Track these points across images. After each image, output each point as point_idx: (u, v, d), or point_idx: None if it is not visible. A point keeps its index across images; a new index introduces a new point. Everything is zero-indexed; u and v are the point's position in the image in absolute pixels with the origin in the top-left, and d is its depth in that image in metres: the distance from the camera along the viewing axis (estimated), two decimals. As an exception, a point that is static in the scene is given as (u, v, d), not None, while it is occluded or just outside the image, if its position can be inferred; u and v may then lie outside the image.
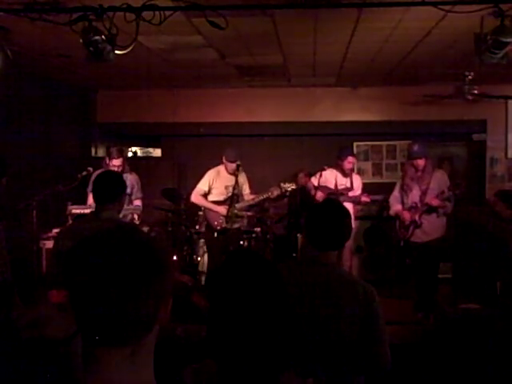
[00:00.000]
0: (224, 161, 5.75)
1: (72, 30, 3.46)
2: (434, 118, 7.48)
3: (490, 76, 6.14)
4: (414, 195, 5.26)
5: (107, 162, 5.25)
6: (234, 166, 5.64)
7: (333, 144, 6.94)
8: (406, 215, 5.26)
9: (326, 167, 5.92)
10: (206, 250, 6.41)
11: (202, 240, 6.50)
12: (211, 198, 5.84)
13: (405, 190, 5.35)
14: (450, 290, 6.12)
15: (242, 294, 1.36)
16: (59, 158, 6.78)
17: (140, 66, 5.94)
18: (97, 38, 3.47)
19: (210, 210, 5.78)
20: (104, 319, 0.95)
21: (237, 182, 5.64)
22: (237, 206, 5.70)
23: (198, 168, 6.28)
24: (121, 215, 3.58)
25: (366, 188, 6.25)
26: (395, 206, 5.43)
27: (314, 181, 5.92)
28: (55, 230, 5.04)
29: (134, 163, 6.14)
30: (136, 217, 5.22)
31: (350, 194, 5.98)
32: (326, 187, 5.93)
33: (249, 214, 6.06)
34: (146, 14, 3.41)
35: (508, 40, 3.41)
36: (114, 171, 4.74)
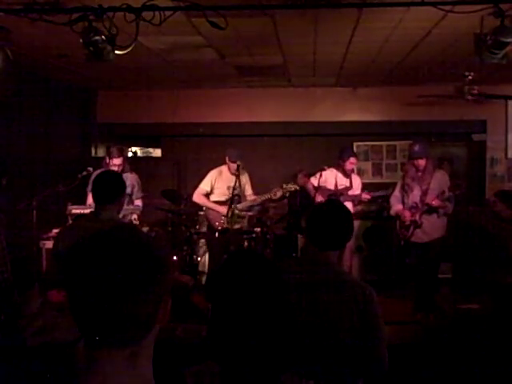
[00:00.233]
0: (227, 161, 5.75)
1: (72, 30, 3.46)
2: (434, 118, 7.49)
3: (490, 76, 6.14)
4: (415, 195, 5.26)
5: (107, 161, 5.24)
6: (235, 166, 5.64)
7: (333, 144, 6.94)
8: (406, 214, 5.26)
9: (325, 167, 5.92)
10: (206, 249, 6.42)
11: (202, 240, 6.50)
12: (213, 198, 5.84)
13: (405, 190, 5.35)
14: (450, 290, 6.12)
15: (243, 294, 1.36)
16: (59, 158, 6.78)
17: (140, 66, 5.95)
18: (97, 38, 3.48)
19: (212, 209, 5.78)
20: (103, 320, 0.95)
21: (239, 182, 5.65)
22: (238, 206, 5.70)
23: (198, 168, 6.29)
24: (120, 215, 3.57)
25: (366, 188, 6.25)
26: (396, 206, 5.43)
27: (314, 181, 5.91)
28: (55, 230, 5.04)
29: (134, 163, 6.14)
30: (135, 216, 5.22)
31: (350, 192, 5.98)
32: (325, 189, 5.91)
33: (249, 214, 6.06)
34: (146, 14, 3.41)
35: (508, 40, 3.41)
36: (113, 171, 4.73)
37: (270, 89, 7.64)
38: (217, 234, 5.68)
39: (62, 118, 7.05)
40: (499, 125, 7.57)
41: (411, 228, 5.25)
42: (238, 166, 5.61)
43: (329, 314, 2.18)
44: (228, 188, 5.69)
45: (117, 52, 3.65)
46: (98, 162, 5.80)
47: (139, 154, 9.48)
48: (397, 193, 5.48)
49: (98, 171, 4.55)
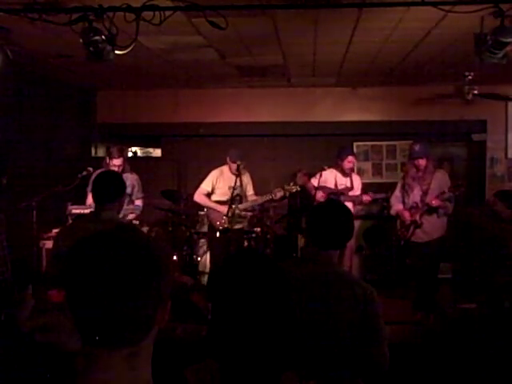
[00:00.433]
0: (228, 161, 5.76)
1: (72, 30, 3.46)
2: (434, 118, 7.49)
3: (490, 76, 6.13)
4: (415, 195, 5.26)
5: (107, 161, 5.24)
6: (235, 166, 5.65)
7: (333, 144, 6.94)
8: (406, 214, 5.27)
9: (325, 167, 5.92)
10: (206, 249, 6.42)
11: (202, 240, 6.51)
12: (214, 197, 5.84)
13: (406, 190, 5.35)
14: (450, 289, 6.12)
15: (244, 294, 1.36)
16: (59, 157, 6.78)
17: (140, 65, 5.94)
18: (97, 37, 3.47)
19: (213, 209, 5.79)
20: (102, 320, 0.95)
21: (241, 182, 5.65)
22: (240, 206, 5.71)
23: (198, 168, 6.28)
24: (120, 215, 3.57)
25: (366, 188, 6.25)
26: (396, 206, 5.43)
27: (314, 181, 5.92)
28: (55, 230, 5.04)
29: (134, 163, 6.14)
30: (133, 216, 5.22)
31: (350, 193, 5.98)
32: (326, 187, 5.93)
33: (249, 213, 6.06)
34: (146, 14, 3.41)
35: (508, 40, 3.41)
36: (113, 171, 4.73)
37: (269, 89, 7.64)
38: (218, 234, 5.68)
39: (61, 117, 7.05)
40: (499, 125, 7.57)
41: (411, 228, 5.26)
42: (238, 165, 5.61)
43: (329, 313, 2.18)
44: (229, 188, 5.69)
45: (117, 52, 3.65)
46: (98, 162, 5.80)
47: (139, 154, 9.48)
48: (397, 193, 5.48)
49: (98, 171, 4.55)
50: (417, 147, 5.25)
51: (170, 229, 6.58)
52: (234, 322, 1.34)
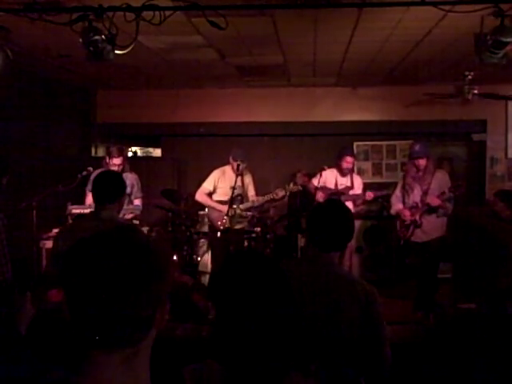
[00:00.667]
0: (230, 160, 5.76)
1: (72, 29, 3.46)
2: (434, 118, 7.48)
3: (490, 76, 6.13)
4: (416, 195, 5.26)
5: (107, 161, 5.23)
6: (235, 165, 5.65)
7: (333, 144, 6.94)
8: (406, 213, 5.27)
9: (326, 167, 5.92)
10: (206, 249, 6.42)
11: (203, 240, 6.50)
12: (216, 197, 5.84)
13: (406, 190, 5.36)
14: (450, 289, 6.11)
15: (246, 294, 1.35)
16: (59, 157, 6.78)
17: (140, 65, 5.94)
18: (97, 37, 3.47)
19: (214, 209, 5.78)
20: (101, 321, 0.94)
21: (242, 182, 5.65)
22: (241, 206, 5.71)
23: (198, 168, 6.28)
24: (120, 215, 3.57)
25: (366, 188, 6.24)
26: (396, 205, 5.44)
27: (315, 181, 5.92)
28: (55, 230, 5.04)
29: (134, 163, 6.14)
30: (131, 216, 5.22)
31: (351, 192, 5.98)
32: (326, 187, 5.93)
33: (249, 213, 6.06)
34: (146, 14, 3.41)
35: (508, 40, 3.41)
36: (113, 171, 4.72)
37: (269, 89, 7.64)
38: (219, 234, 5.68)
39: (61, 117, 7.05)
40: (499, 125, 7.56)
41: (411, 228, 5.26)
42: (238, 165, 5.61)
43: (331, 313, 2.18)
44: (231, 188, 5.69)
45: (117, 52, 3.64)
46: (98, 161, 5.79)
47: (139, 153, 9.48)
48: (398, 192, 5.49)
49: (98, 171, 4.55)
50: (417, 147, 5.25)
51: (170, 229, 6.58)
52: (237, 323, 1.34)
